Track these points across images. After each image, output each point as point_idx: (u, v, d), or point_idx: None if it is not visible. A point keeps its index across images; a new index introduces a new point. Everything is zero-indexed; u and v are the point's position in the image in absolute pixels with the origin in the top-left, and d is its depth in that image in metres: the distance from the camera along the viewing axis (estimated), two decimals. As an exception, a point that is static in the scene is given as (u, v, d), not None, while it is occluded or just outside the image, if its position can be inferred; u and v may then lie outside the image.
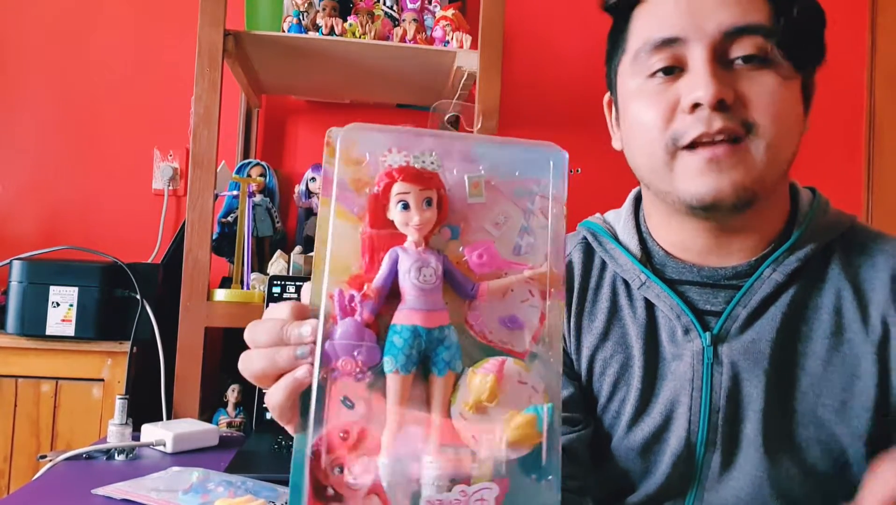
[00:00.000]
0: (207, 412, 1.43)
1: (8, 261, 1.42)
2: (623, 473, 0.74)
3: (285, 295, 1.35)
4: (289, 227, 1.83)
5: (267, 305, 1.34)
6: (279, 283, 1.36)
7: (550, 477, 0.43)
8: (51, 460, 1.06)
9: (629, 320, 0.74)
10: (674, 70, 0.66)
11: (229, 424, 1.43)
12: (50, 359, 1.39)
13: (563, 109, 2.01)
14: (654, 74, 0.67)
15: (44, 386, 1.39)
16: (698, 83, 0.64)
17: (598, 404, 0.76)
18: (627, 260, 0.75)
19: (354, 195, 0.44)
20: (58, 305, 1.38)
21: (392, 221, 0.45)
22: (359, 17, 1.50)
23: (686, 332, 0.71)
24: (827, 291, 0.70)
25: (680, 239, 0.73)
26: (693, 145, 0.65)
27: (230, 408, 1.45)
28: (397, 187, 0.44)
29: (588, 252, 0.80)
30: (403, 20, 1.55)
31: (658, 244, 0.75)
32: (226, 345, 1.72)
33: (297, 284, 1.36)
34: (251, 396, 1.37)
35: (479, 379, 0.43)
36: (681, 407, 0.71)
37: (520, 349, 0.44)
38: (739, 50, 0.65)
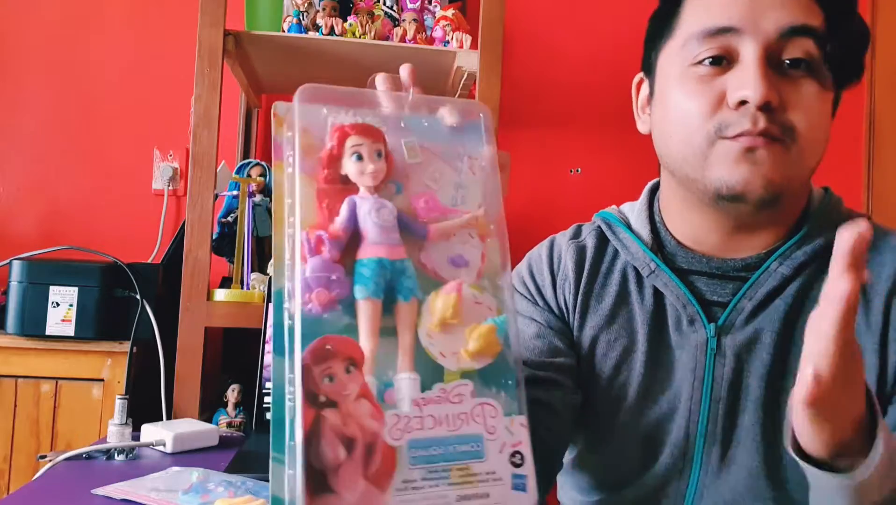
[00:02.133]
0: (207, 412, 1.43)
1: (8, 261, 1.42)
2: (623, 461, 0.74)
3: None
4: (289, 228, 1.83)
5: (267, 306, 1.34)
6: (279, 283, 1.35)
7: (510, 381, 0.48)
8: (51, 460, 1.06)
9: (637, 307, 0.76)
10: (722, 61, 0.67)
11: (229, 424, 1.43)
12: (50, 359, 1.39)
13: (563, 109, 2.01)
14: (700, 62, 0.67)
15: (44, 386, 1.39)
16: (748, 81, 0.64)
17: (599, 386, 0.76)
18: (639, 248, 0.76)
19: (304, 158, 0.49)
20: (58, 305, 1.38)
21: (343, 178, 0.49)
22: (359, 17, 1.50)
23: (691, 322, 0.72)
24: None
25: (693, 232, 0.74)
26: (733, 136, 0.66)
27: (230, 408, 1.45)
28: (351, 140, 0.49)
29: (601, 239, 0.81)
30: (403, 20, 1.55)
31: (671, 234, 0.76)
32: (226, 345, 1.72)
33: (297, 283, 1.36)
34: (251, 396, 1.36)
35: (441, 299, 0.48)
36: (682, 396, 0.71)
37: (468, 283, 0.49)
38: (790, 52, 0.65)
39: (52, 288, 1.39)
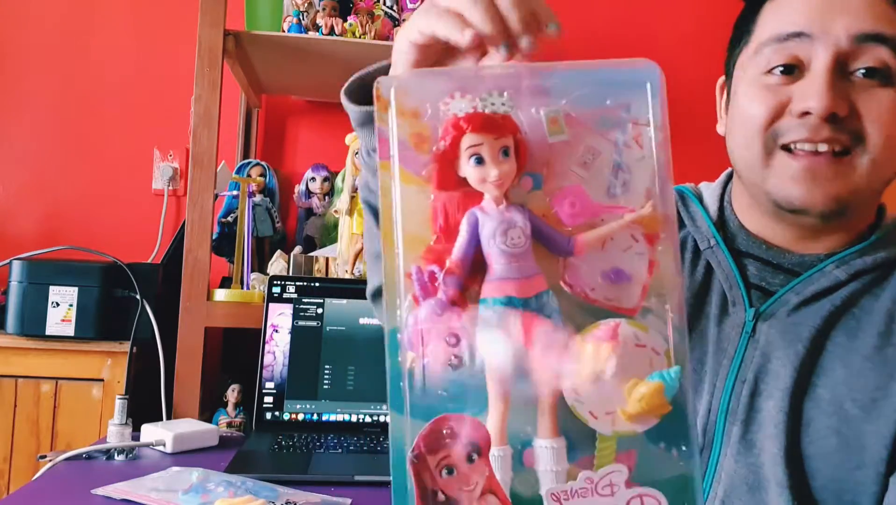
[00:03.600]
0: (207, 412, 1.43)
1: (8, 261, 1.42)
2: None
3: (285, 295, 1.35)
4: (289, 227, 1.83)
5: (267, 306, 1.34)
6: (279, 283, 1.36)
7: (684, 447, 0.38)
8: (51, 460, 1.06)
9: (686, 276, 0.76)
10: (793, 70, 0.66)
11: (229, 424, 1.43)
12: (50, 359, 1.39)
13: (563, 109, 2.01)
14: (771, 70, 0.67)
15: (44, 386, 1.39)
16: (813, 91, 0.63)
17: None
18: (704, 222, 0.78)
19: (415, 153, 0.39)
20: (58, 305, 1.38)
21: (463, 179, 0.39)
22: (359, 17, 1.50)
23: (734, 303, 0.73)
24: (885, 297, 0.70)
25: (758, 226, 0.75)
26: (793, 149, 0.66)
27: (230, 408, 1.45)
28: (468, 140, 0.39)
29: None
30: (403, 20, 1.55)
31: (736, 216, 0.77)
32: (226, 345, 1.72)
33: (297, 283, 1.36)
34: (251, 396, 1.37)
35: (591, 348, 0.38)
36: (708, 373, 0.72)
37: (628, 305, 0.39)
38: (862, 61, 0.64)
39: (52, 288, 1.39)
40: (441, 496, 0.37)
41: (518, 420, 0.38)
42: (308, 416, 1.32)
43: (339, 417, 1.32)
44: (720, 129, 0.79)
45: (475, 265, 0.39)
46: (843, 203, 0.66)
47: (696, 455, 0.39)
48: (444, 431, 0.37)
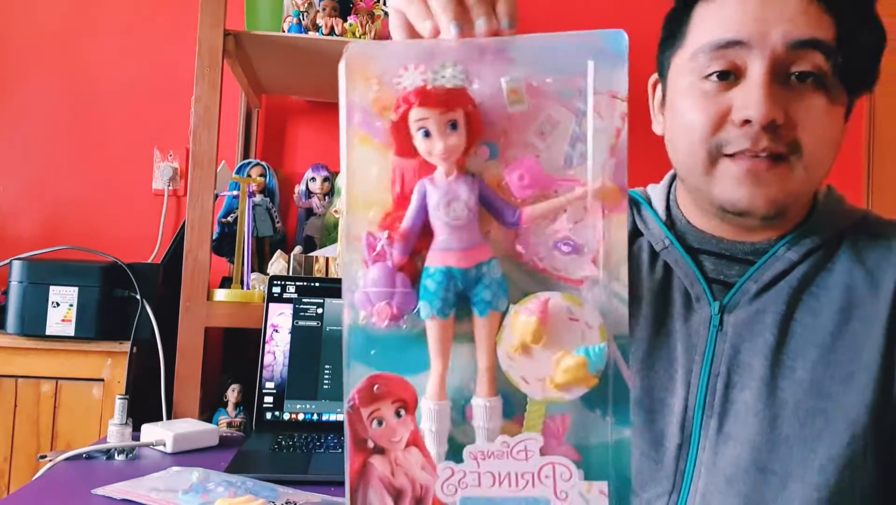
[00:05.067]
0: (207, 412, 1.43)
1: (8, 261, 1.42)
2: None
3: (285, 295, 1.35)
4: (289, 227, 1.83)
5: (267, 306, 1.34)
6: (279, 283, 1.36)
7: (618, 416, 0.41)
8: (51, 460, 1.06)
9: (646, 279, 0.78)
10: (729, 76, 0.67)
11: (229, 424, 1.43)
12: (50, 359, 1.39)
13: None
14: (708, 77, 0.68)
15: (44, 386, 1.39)
16: (752, 100, 0.65)
17: None
18: (656, 225, 0.79)
19: (378, 119, 0.41)
20: (58, 305, 1.39)
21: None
22: (359, 17, 1.50)
23: (697, 299, 0.74)
24: (839, 270, 0.72)
25: (704, 221, 0.76)
26: (734, 154, 0.67)
27: (230, 408, 1.45)
28: (415, 113, 0.40)
29: None
30: (403, 20, 1.55)
31: (683, 214, 0.79)
32: (226, 345, 1.72)
33: (297, 283, 1.36)
34: (251, 396, 1.37)
35: (522, 319, 0.40)
36: (680, 370, 0.73)
37: (576, 276, 0.41)
38: (799, 65, 0.65)
39: (52, 288, 1.39)
40: (371, 444, 0.41)
41: (464, 377, 0.41)
42: (308, 416, 1.32)
43: (339, 417, 1.32)
44: (656, 129, 0.79)
45: (426, 232, 0.41)
46: (782, 206, 0.68)
47: (626, 422, 0.40)
48: (376, 388, 0.40)
